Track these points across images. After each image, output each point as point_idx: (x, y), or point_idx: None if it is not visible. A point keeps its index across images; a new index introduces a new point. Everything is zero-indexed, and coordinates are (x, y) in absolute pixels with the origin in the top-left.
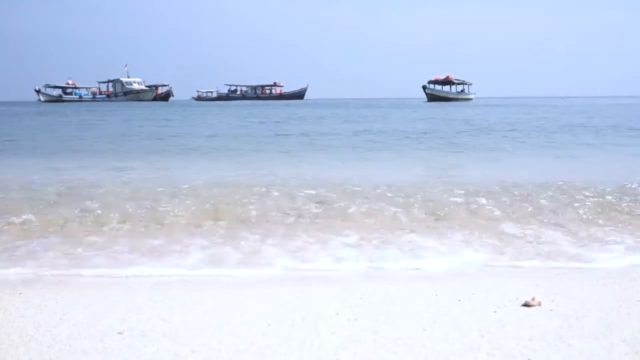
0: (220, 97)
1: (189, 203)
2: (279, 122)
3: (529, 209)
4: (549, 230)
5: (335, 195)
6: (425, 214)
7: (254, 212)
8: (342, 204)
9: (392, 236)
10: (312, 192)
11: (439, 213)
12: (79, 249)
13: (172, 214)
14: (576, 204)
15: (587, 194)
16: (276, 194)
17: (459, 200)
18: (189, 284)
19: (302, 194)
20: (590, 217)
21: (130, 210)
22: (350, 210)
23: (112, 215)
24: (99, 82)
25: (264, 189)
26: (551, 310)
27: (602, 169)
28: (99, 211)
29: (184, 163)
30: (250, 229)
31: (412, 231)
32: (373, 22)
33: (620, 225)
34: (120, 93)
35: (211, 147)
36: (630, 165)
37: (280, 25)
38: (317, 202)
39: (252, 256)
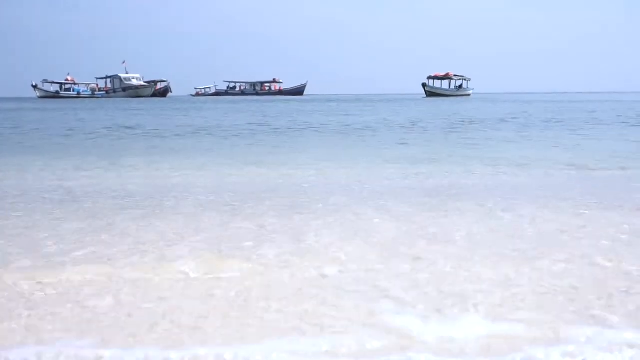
0: (218, 94)
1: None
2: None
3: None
4: None
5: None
6: None
7: None
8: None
9: None
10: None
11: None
12: None
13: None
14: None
15: None
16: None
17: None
18: None
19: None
20: None
21: None
22: None
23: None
24: (97, 79)
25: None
26: None
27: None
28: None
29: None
30: None
31: None
32: (373, 20)
33: None
34: (119, 89)
35: None
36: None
37: (280, 23)
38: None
39: None
